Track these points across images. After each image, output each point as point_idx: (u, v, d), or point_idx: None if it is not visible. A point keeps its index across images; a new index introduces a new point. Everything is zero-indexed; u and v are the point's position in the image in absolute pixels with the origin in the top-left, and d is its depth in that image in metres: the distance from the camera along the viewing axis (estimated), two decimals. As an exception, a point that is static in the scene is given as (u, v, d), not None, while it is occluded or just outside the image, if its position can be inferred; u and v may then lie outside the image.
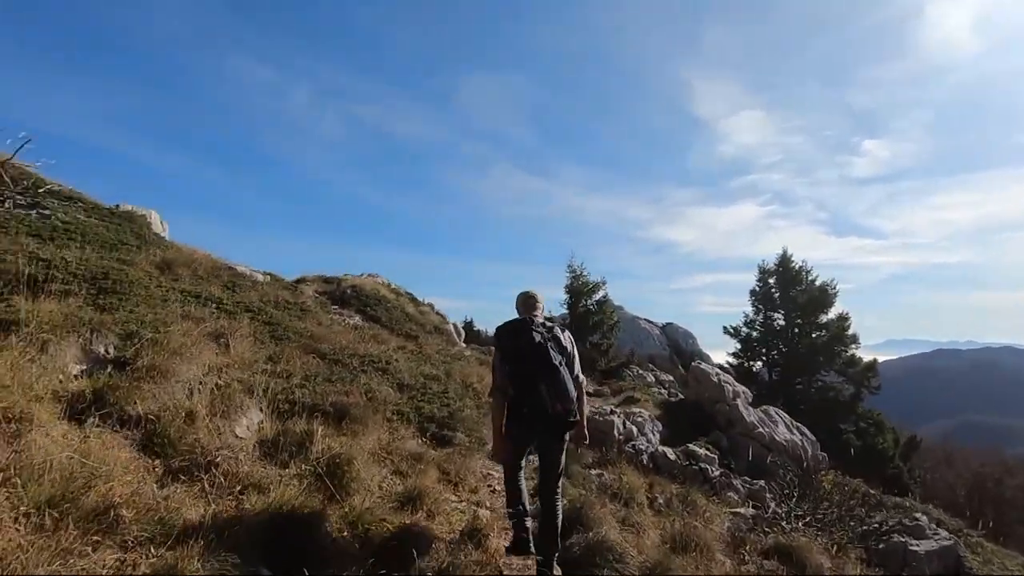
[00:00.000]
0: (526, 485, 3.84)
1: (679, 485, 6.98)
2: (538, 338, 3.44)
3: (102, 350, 4.63)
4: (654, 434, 7.89)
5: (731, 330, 21.67)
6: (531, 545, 3.49)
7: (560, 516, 3.64)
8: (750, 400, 9.90)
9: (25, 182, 8.93)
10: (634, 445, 7.25)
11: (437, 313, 13.87)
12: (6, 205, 7.64)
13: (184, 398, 4.30)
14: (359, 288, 12.45)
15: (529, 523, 3.61)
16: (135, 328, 4.89)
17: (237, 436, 4.46)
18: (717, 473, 7.56)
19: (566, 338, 3.62)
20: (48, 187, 9.35)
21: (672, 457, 7.32)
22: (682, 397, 10.69)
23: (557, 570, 3.48)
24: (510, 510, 3.65)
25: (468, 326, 68.83)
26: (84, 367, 4.45)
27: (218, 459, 3.64)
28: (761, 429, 8.93)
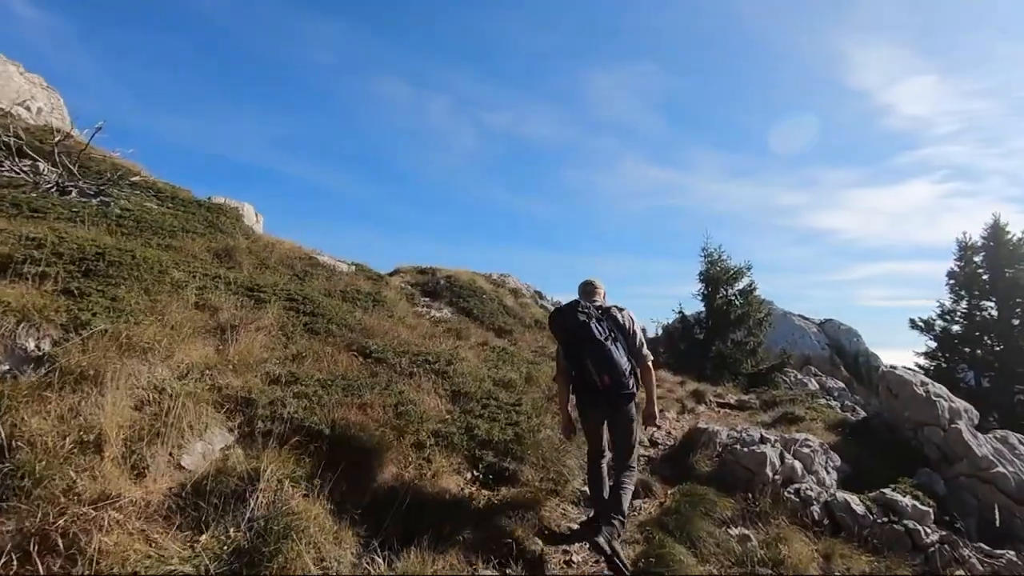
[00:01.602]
0: (607, 473, 3.85)
1: (872, 555, 4.55)
2: (581, 317, 3.49)
3: (32, 345, 3.50)
4: (828, 472, 5.43)
5: (920, 324, 17.05)
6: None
7: (628, 492, 3.65)
8: (975, 421, 6.85)
9: (109, 173, 8.74)
10: (798, 490, 4.92)
11: (540, 306, 12.13)
12: (71, 194, 7.26)
13: (107, 412, 2.98)
14: (454, 279, 11.12)
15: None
16: (87, 317, 3.74)
17: (184, 469, 3.10)
18: (934, 537, 4.96)
19: (624, 316, 3.70)
20: (134, 178, 9.14)
21: (859, 510, 4.87)
22: (865, 415, 7.81)
23: (618, 540, 3.44)
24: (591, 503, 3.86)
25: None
26: (6, 367, 3.35)
27: (58, 525, 2.22)
28: (1001, 467, 5.97)
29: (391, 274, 11.60)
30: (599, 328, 3.45)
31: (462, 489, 3.80)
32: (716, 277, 15.18)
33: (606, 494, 3.65)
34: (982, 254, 17.39)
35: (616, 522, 3.44)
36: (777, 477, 5.02)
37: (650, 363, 3.69)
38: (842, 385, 12.47)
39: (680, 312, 15.91)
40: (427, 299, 10.27)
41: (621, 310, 3.70)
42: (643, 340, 3.70)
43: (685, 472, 5.11)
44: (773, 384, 13.78)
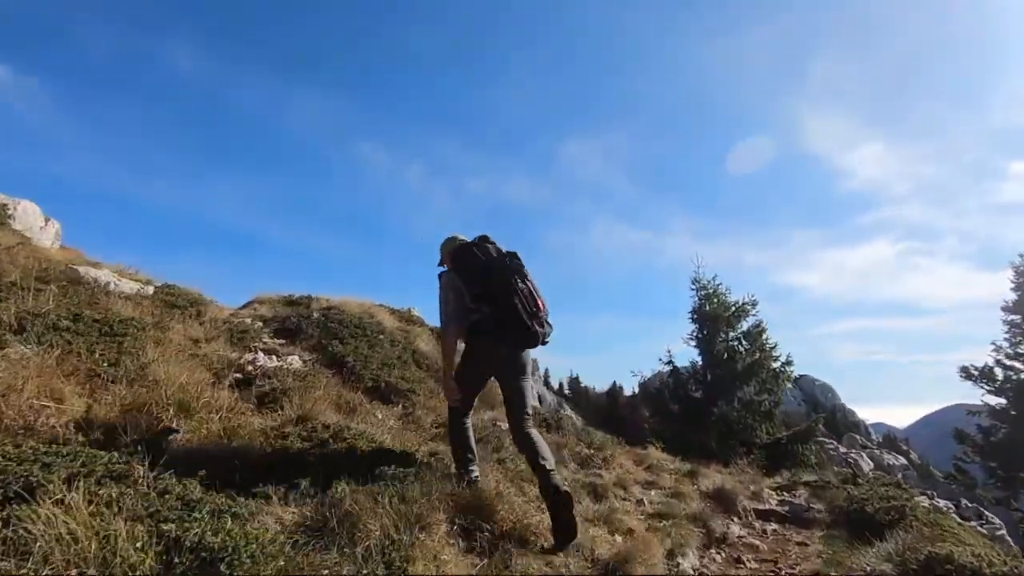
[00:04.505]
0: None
1: None
2: (504, 248, 3.31)
3: None
4: None
5: (975, 372, 13.32)
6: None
7: (541, 439, 3.27)
8: None
9: None
10: None
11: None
12: None
13: None
14: (335, 312, 7.32)
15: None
16: None
17: None
18: None
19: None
20: None
21: None
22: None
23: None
24: (460, 469, 3.24)
25: (574, 382, 61.36)
26: None
27: None
28: None
29: (243, 306, 7.76)
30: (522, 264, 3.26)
31: None
32: (714, 315, 11.59)
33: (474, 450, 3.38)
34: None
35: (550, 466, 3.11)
36: None
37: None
38: (904, 462, 8.80)
39: (670, 363, 12.13)
40: (281, 340, 6.43)
41: None
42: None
43: None
44: (803, 461, 10.06)
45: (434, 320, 9.50)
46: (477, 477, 3.21)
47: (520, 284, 3.10)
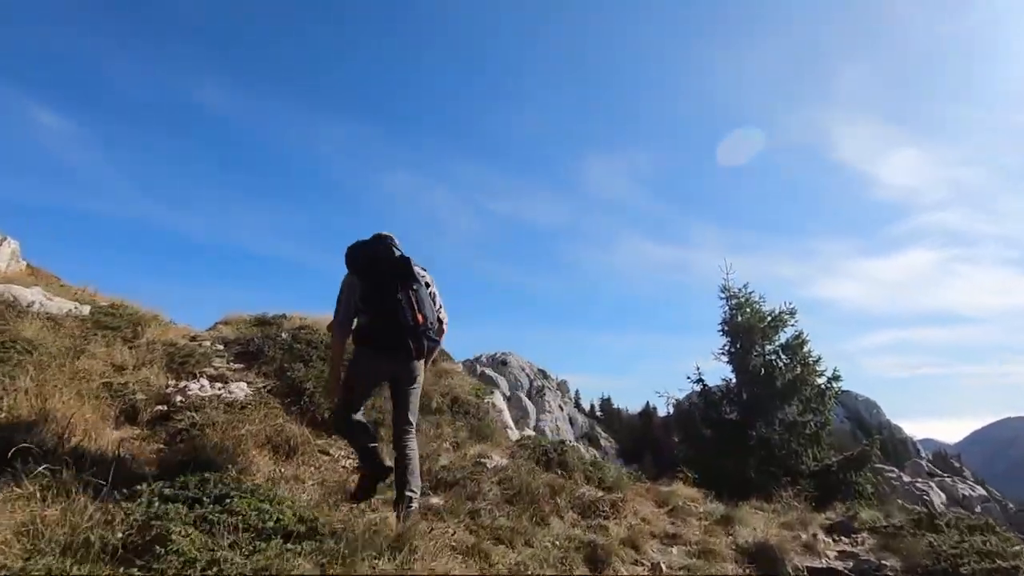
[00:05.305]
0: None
1: None
2: (397, 252, 3.13)
3: None
4: None
5: None
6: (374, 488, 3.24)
7: (417, 459, 3.17)
8: None
9: None
10: None
11: (479, 374, 7.34)
12: None
13: None
14: (305, 332, 6.44)
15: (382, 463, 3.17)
16: None
17: None
18: None
19: (426, 273, 3.29)
20: None
21: None
22: None
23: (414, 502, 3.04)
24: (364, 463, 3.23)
25: (606, 403, 59.24)
26: None
27: None
28: None
29: (211, 327, 6.97)
30: (417, 267, 3.16)
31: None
32: (748, 327, 10.36)
33: (387, 460, 3.18)
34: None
35: (414, 495, 3.04)
36: None
37: (446, 325, 3.38)
38: (981, 492, 7.45)
39: (700, 380, 10.90)
40: (241, 364, 5.61)
41: (424, 269, 3.30)
42: (441, 303, 3.35)
43: None
44: (859, 491, 8.71)
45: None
46: (411, 498, 3.00)
47: (400, 295, 2.96)
